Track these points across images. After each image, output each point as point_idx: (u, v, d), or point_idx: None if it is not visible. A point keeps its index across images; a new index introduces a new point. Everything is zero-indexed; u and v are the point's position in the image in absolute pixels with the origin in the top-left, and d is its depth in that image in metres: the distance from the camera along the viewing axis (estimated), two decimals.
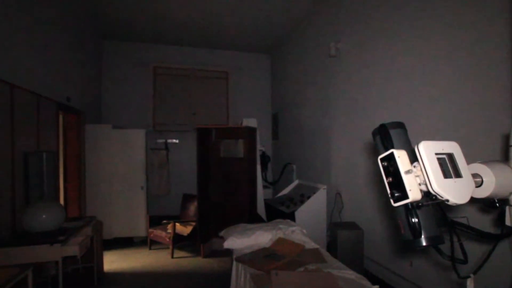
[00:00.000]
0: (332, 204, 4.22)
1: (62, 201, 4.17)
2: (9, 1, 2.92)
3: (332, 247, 3.55)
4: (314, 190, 4.19)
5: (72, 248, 2.61)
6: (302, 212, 3.91)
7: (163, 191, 5.93)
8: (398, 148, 0.69)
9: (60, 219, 2.88)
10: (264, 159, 5.62)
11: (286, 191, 4.86)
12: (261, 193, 4.70)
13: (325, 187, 4.13)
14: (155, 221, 4.83)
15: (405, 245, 0.69)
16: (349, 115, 3.99)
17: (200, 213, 4.36)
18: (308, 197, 4.09)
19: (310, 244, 2.73)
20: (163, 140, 6.10)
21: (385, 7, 3.27)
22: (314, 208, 4.01)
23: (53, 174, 3.57)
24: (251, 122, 4.65)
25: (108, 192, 4.80)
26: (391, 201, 0.68)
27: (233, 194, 4.56)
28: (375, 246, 3.46)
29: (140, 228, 4.88)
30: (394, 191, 0.67)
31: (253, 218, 4.30)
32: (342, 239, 3.30)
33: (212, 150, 4.66)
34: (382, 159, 0.71)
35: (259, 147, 4.74)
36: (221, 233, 3.15)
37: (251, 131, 4.49)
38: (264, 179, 5.71)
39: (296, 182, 4.89)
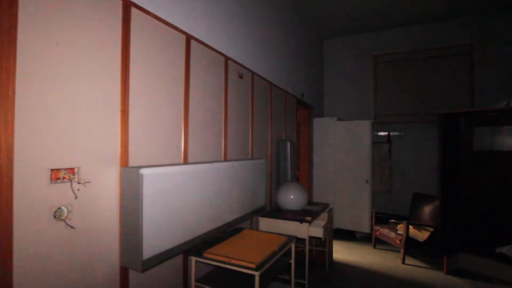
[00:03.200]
0: None
1: None
2: (264, 15, 3.53)
3: None
4: None
5: (318, 230, 2.75)
6: None
7: (384, 187, 5.48)
8: None
9: (304, 201, 3.15)
10: None
11: None
12: None
13: None
14: (379, 218, 4.50)
15: None
16: None
17: (444, 218, 3.58)
18: None
19: None
20: (385, 133, 5.63)
21: None
22: None
23: (294, 162, 4.04)
24: None
25: (333, 183, 4.95)
26: None
27: (494, 200, 3.43)
28: None
29: (363, 223, 4.70)
30: None
31: None
32: None
33: (460, 141, 3.71)
34: None
35: None
36: (505, 250, 2.34)
37: None
38: None
39: None
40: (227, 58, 2.49)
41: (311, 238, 3.42)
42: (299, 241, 3.04)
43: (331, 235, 3.72)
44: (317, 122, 5.12)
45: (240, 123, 2.74)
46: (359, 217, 4.74)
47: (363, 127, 4.74)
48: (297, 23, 4.61)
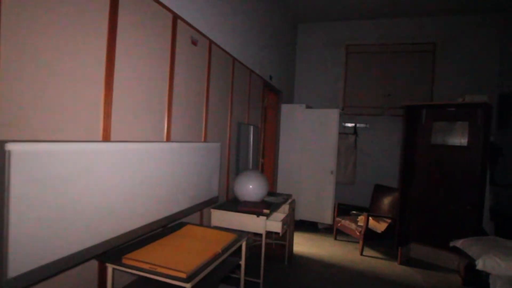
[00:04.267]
0: None
1: None
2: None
3: None
4: None
5: (276, 224, 2.48)
6: None
7: (348, 179, 5.39)
8: None
9: (264, 191, 2.86)
10: (492, 151, 3.94)
11: None
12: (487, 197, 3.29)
13: None
14: (341, 210, 4.38)
15: None
16: None
17: (402, 210, 3.51)
18: None
19: None
20: (352, 124, 5.51)
21: None
22: None
23: (257, 148, 3.72)
24: (477, 100, 3.26)
25: (298, 173, 4.74)
26: None
27: (448, 192, 3.40)
28: None
29: (326, 214, 4.56)
30: None
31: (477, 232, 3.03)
32: None
33: (420, 135, 3.63)
34: None
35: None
36: (458, 244, 2.23)
37: (484, 109, 3.13)
38: (490, 178, 4.03)
39: None
40: (176, 17, 2.06)
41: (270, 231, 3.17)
42: (259, 235, 2.76)
43: (293, 227, 3.50)
44: (285, 109, 4.84)
45: (191, 100, 2.34)
46: (322, 208, 4.59)
47: (332, 116, 4.53)
48: (271, 1, 4.22)
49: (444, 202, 3.43)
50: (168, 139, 2.05)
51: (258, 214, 2.48)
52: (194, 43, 2.30)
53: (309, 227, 4.76)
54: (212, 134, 2.68)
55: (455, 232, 3.31)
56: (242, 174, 2.88)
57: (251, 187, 2.80)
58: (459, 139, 3.35)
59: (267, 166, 4.62)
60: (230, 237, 1.80)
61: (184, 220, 2.22)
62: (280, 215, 2.80)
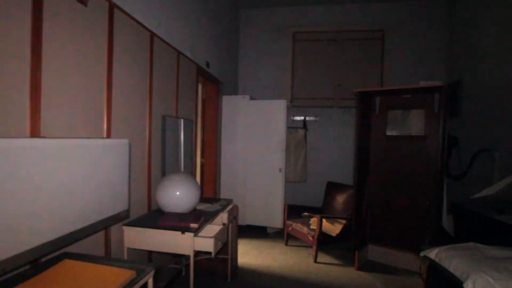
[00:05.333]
0: None
1: (198, 178, 3.81)
2: None
3: None
4: None
5: (207, 242, 1.92)
6: None
7: (299, 177, 5.06)
8: None
9: (194, 199, 2.29)
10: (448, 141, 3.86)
11: (492, 190, 3.06)
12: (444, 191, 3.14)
13: None
14: (292, 211, 3.99)
15: None
16: None
17: (357, 210, 3.20)
18: None
19: None
20: (301, 118, 5.19)
21: None
22: None
23: (191, 146, 3.13)
24: (433, 84, 3.09)
25: (243, 172, 4.24)
26: None
27: (406, 188, 3.18)
28: None
29: (276, 218, 4.14)
30: None
31: (436, 230, 2.84)
32: None
33: (375, 125, 3.38)
34: None
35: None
36: (432, 255, 1.88)
37: (441, 94, 2.95)
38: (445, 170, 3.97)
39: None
40: None
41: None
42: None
43: (235, 237, 2.98)
44: (227, 101, 4.31)
45: (80, 82, 1.68)
46: (271, 211, 4.16)
47: (278, 108, 4.11)
48: None
49: (402, 198, 3.20)
50: (36, 134, 1.38)
51: (184, 230, 1.90)
52: (81, 1, 1.64)
53: (257, 232, 4.30)
54: (122, 128, 2.03)
55: (414, 231, 3.10)
56: (165, 179, 2.28)
57: (177, 193, 2.21)
58: (416, 129, 3.13)
59: (208, 167, 4.05)
60: (124, 276, 1.20)
61: (85, 242, 1.57)
62: (215, 227, 2.26)
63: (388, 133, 3.29)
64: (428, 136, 3.04)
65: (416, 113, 3.13)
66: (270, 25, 5.34)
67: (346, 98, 5.05)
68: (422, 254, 1.93)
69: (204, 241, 1.93)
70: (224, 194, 4.21)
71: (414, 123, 3.14)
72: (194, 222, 1.96)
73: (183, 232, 1.89)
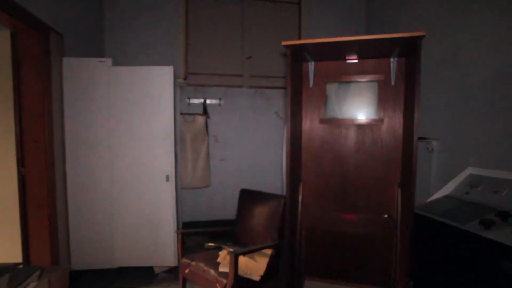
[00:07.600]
0: None
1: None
2: None
3: None
4: None
5: None
6: None
7: (200, 181, 3.69)
8: None
9: None
10: None
11: (446, 190, 2.38)
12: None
13: None
14: (190, 237, 2.62)
15: None
16: None
17: (290, 231, 2.06)
18: None
19: None
20: (201, 101, 3.80)
21: None
22: None
23: None
24: (394, 35, 2.16)
25: (105, 185, 2.60)
26: None
27: (355, 196, 2.19)
28: None
29: (165, 251, 2.68)
30: None
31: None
32: None
33: (305, 105, 2.27)
34: None
35: None
36: None
37: (405, 52, 2.03)
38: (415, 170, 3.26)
39: (468, 172, 2.39)
40: None
41: None
42: None
43: None
44: (70, 66, 2.54)
45: None
46: (157, 242, 2.67)
47: (161, 80, 2.62)
48: None
49: (350, 210, 2.18)
50: None
51: None
52: None
53: (140, 275, 2.75)
54: None
55: (368, 257, 2.14)
56: None
57: None
58: (367, 109, 2.15)
59: (33, 181, 2.25)
60: None
61: None
62: None
63: (328, 115, 2.24)
64: (385, 120, 2.10)
65: (367, 86, 2.15)
66: None
67: (259, 76, 3.93)
68: None
69: None
70: (72, 225, 2.49)
71: (365, 100, 2.17)
72: None
73: None
